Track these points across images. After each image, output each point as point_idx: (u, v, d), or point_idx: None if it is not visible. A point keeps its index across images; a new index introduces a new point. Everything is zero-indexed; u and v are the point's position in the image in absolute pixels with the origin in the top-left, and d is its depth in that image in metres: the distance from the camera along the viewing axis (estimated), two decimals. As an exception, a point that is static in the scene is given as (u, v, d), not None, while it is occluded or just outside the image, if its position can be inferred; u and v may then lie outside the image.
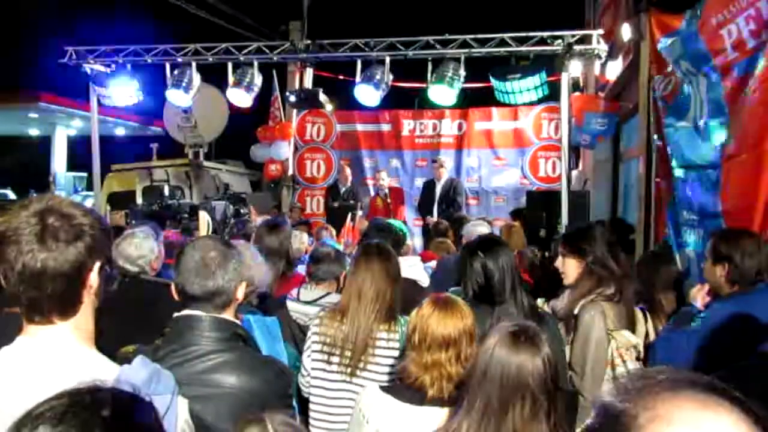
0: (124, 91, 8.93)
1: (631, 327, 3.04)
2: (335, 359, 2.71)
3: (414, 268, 3.80)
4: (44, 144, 25.01)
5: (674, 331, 2.89)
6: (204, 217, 5.51)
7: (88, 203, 8.85)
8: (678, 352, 2.67)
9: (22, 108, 21.37)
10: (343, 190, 9.78)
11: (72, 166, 23.90)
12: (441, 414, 2.03)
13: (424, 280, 3.83)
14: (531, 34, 7.75)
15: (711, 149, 3.68)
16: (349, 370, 2.68)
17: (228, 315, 2.00)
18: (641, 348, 3.00)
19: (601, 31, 7.76)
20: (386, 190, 9.39)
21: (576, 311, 2.97)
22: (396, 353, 2.68)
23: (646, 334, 3.25)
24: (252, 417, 1.46)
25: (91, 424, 0.91)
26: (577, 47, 7.48)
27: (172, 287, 2.02)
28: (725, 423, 0.75)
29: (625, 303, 3.02)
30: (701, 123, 3.79)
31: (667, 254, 3.94)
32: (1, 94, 20.42)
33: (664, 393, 0.79)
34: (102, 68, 8.98)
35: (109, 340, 1.70)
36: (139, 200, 10.54)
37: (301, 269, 3.99)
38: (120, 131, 24.25)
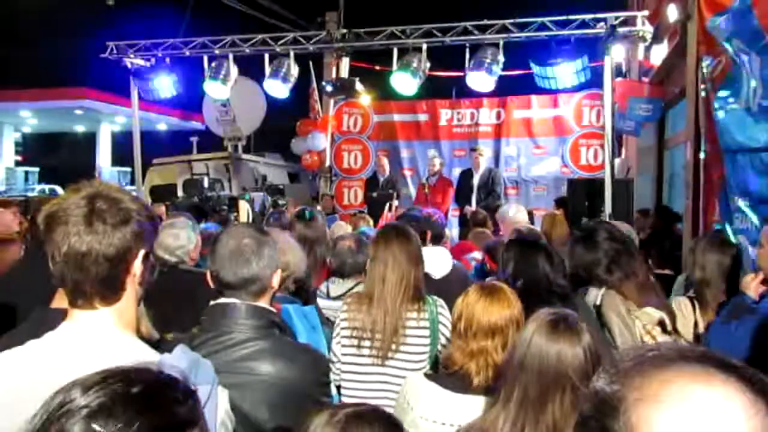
0: (163, 84, 9.06)
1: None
2: (366, 344, 2.68)
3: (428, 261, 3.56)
4: (89, 140, 25.79)
5: (729, 322, 2.75)
6: (244, 206, 5.56)
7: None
8: (734, 344, 2.54)
9: (68, 105, 21.99)
10: (381, 180, 9.75)
11: (117, 161, 24.56)
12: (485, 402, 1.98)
13: (435, 273, 3.58)
14: (572, 17, 7.52)
15: (765, 131, 3.50)
16: (380, 354, 2.65)
17: (264, 303, 1.98)
18: (668, 321, 2.88)
19: (646, 12, 7.49)
20: (436, 178, 9.17)
21: (598, 302, 2.88)
22: (427, 332, 2.64)
23: (695, 324, 3.13)
24: None
25: (121, 395, 0.92)
26: (620, 29, 7.22)
27: (208, 275, 2.00)
28: (718, 394, 0.69)
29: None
30: (755, 104, 3.61)
31: (717, 241, 3.77)
32: (47, 91, 21.10)
33: (653, 370, 0.74)
34: (142, 62, 9.13)
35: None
36: (180, 193, 10.73)
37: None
38: (162, 126, 24.85)
